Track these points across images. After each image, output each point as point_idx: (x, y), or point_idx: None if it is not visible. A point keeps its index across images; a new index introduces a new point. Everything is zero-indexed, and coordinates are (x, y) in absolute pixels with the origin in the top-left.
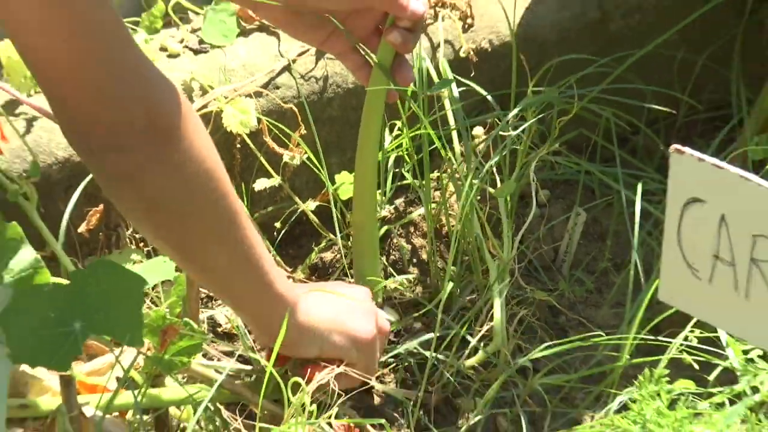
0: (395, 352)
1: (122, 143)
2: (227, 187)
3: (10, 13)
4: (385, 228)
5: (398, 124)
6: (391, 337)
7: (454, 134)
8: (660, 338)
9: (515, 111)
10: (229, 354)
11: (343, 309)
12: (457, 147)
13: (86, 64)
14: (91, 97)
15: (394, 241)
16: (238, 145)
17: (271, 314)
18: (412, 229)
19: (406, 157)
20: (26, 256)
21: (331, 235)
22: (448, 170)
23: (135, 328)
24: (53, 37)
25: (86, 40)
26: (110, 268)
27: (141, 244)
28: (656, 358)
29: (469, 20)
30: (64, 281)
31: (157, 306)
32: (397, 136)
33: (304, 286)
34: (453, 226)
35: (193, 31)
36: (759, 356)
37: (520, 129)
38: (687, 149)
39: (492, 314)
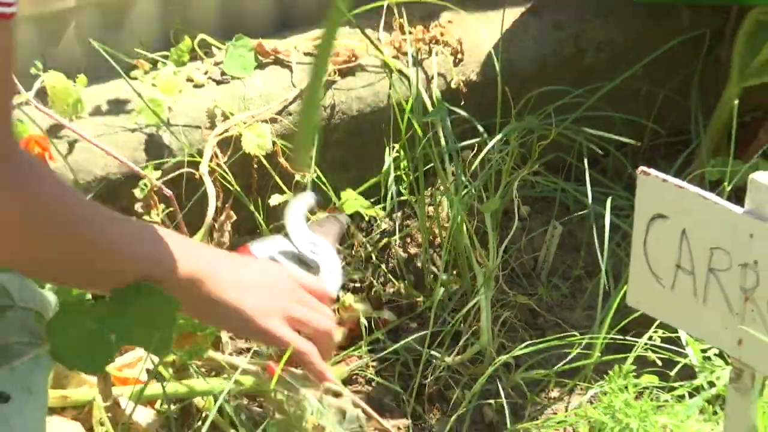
0: (393, 348)
1: None
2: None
3: None
4: (385, 239)
5: (397, 146)
6: (388, 335)
7: (446, 156)
8: (627, 338)
9: (500, 136)
10: (247, 350)
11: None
12: (449, 167)
13: None
14: None
15: (393, 250)
16: (255, 166)
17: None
18: (408, 240)
19: (404, 176)
20: None
21: (337, 246)
22: (441, 188)
23: (165, 345)
24: None
25: None
26: (148, 290)
27: None
28: (624, 355)
29: (459, 55)
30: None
31: None
32: (396, 158)
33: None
34: (445, 237)
35: (216, 64)
36: (715, 354)
37: (504, 152)
38: (652, 171)
39: (479, 316)
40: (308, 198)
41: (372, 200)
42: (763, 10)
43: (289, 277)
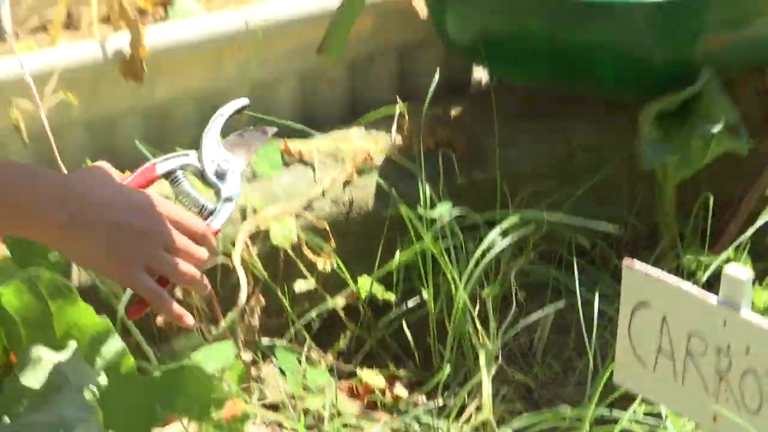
0: (405, 420)
1: None
2: None
3: None
4: (394, 325)
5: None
6: (399, 407)
7: (451, 247)
8: (614, 411)
9: (499, 229)
10: (278, 424)
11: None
12: (453, 257)
13: None
14: None
15: (404, 331)
16: (282, 255)
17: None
18: (418, 322)
19: (414, 264)
20: (115, 344)
21: (354, 326)
22: (448, 275)
23: (204, 412)
24: None
25: None
26: (190, 371)
27: (206, 331)
28: (611, 427)
29: (463, 156)
30: (145, 362)
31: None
32: (407, 248)
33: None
34: (450, 320)
35: (248, 164)
36: (692, 429)
37: (503, 244)
38: (636, 263)
39: (482, 391)
40: (238, 104)
41: (386, 285)
42: None
43: (159, 218)
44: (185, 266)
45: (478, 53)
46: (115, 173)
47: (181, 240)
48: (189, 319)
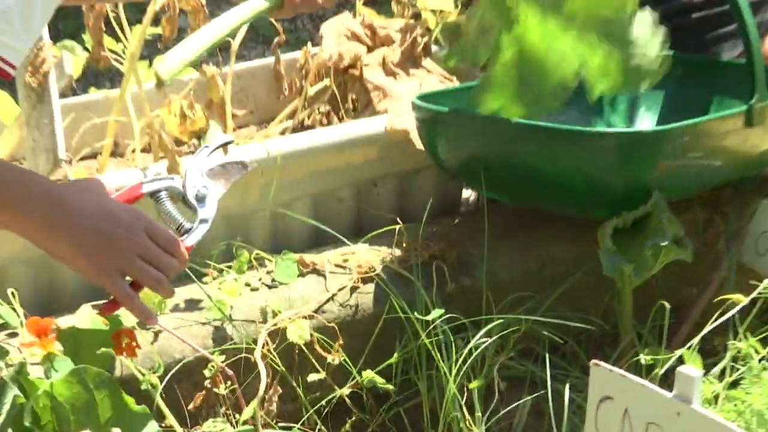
0: None
1: None
2: None
3: None
4: (395, 409)
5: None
6: None
7: (443, 346)
8: None
9: (484, 330)
10: None
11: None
12: (444, 354)
13: None
14: None
15: (402, 417)
16: (297, 351)
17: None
18: (414, 409)
19: (411, 359)
20: (152, 428)
21: (361, 414)
22: (441, 369)
23: None
24: None
25: None
26: None
27: (231, 416)
28: None
29: (453, 267)
30: None
31: None
32: (405, 345)
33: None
34: (441, 408)
35: (268, 272)
36: None
37: (487, 342)
38: (602, 363)
39: None
40: (223, 139)
41: (386, 376)
42: None
43: (138, 228)
44: (153, 272)
45: (465, 177)
46: (106, 187)
47: (153, 250)
48: (154, 319)
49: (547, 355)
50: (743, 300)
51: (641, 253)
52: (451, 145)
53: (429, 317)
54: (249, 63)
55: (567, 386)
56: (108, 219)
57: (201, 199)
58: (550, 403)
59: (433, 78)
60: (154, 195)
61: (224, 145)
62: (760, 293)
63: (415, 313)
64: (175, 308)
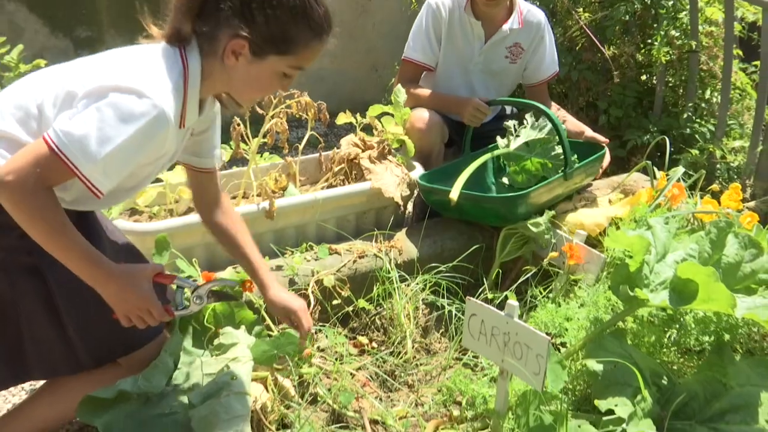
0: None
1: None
2: (58, 226)
3: None
4: (372, 318)
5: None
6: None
7: (397, 288)
8: None
9: (416, 281)
10: None
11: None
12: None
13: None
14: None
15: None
16: (327, 290)
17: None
18: (382, 319)
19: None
20: (258, 327)
21: (357, 319)
22: (396, 300)
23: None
24: (26, 155)
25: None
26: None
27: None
28: None
29: (401, 250)
30: None
31: None
32: (378, 287)
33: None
34: (397, 319)
35: (314, 253)
36: (496, 372)
37: (417, 287)
38: (471, 298)
39: None
40: (220, 284)
41: (369, 302)
42: (510, 229)
43: (146, 299)
44: (143, 323)
45: (438, 208)
46: (151, 272)
47: (147, 315)
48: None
49: (444, 293)
50: (533, 269)
51: (508, 243)
52: (434, 198)
53: (390, 275)
54: (306, 156)
55: (453, 308)
56: (135, 294)
57: (200, 299)
58: (446, 317)
59: (392, 165)
60: (177, 285)
61: (220, 286)
62: (541, 266)
63: (383, 272)
64: (271, 269)
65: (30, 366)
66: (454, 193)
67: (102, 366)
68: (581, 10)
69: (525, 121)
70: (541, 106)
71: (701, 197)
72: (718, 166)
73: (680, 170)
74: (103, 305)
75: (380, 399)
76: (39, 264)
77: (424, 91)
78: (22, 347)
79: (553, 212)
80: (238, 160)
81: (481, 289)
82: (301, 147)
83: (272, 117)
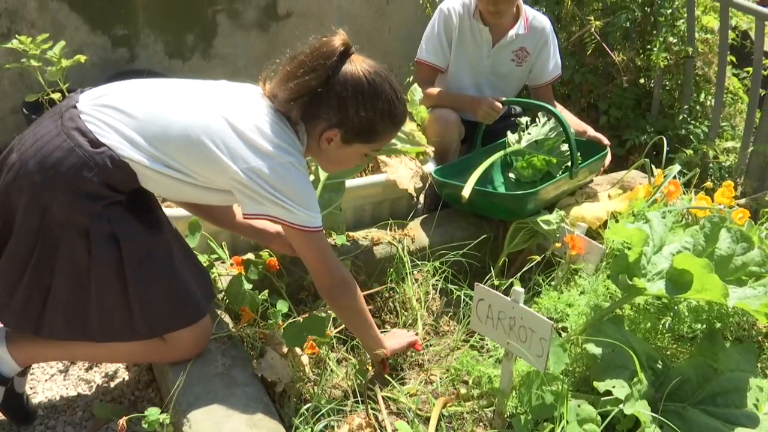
0: None
1: (333, 294)
2: (367, 314)
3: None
4: (387, 301)
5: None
6: None
7: (409, 273)
8: None
9: (427, 267)
10: None
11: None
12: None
13: (321, 268)
14: (322, 278)
15: None
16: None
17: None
18: (395, 301)
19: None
20: (283, 306)
21: (372, 302)
22: (408, 283)
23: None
24: (312, 258)
25: (323, 260)
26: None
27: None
28: None
29: (413, 238)
30: None
31: None
32: (392, 272)
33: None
34: (409, 302)
35: (333, 239)
36: (502, 353)
37: (428, 271)
38: (479, 284)
39: None
40: None
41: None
42: (520, 223)
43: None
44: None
45: (450, 201)
46: (408, 339)
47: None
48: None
49: (453, 279)
50: (537, 258)
51: (517, 236)
52: (447, 191)
53: (404, 260)
54: None
55: (462, 293)
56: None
57: None
58: (455, 301)
59: (406, 158)
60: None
61: None
62: (545, 255)
63: (396, 258)
64: None
65: (90, 330)
66: (466, 191)
67: (152, 338)
68: (591, 18)
69: (538, 120)
70: (550, 107)
71: (695, 194)
72: (711, 165)
73: (676, 168)
74: (165, 283)
75: (393, 377)
76: (117, 233)
77: (440, 91)
78: (87, 311)
79: (563, 212)
80: None
81: (488, 276)
82: None
83: None
